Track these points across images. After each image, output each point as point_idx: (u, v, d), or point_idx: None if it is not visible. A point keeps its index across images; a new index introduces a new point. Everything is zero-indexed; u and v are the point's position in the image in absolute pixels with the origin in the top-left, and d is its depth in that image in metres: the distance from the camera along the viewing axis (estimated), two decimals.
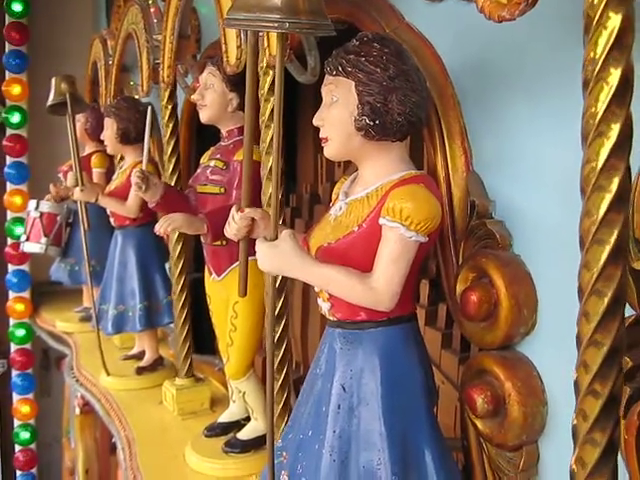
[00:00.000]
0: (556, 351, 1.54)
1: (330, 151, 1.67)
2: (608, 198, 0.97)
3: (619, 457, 1.09)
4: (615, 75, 0.95)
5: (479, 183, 1.72)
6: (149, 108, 2.78)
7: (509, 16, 1.23)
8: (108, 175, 4.28)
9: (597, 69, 0.96)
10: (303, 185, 3.68)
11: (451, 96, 1.78)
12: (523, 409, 1.57)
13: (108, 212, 3.58)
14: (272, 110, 2.10)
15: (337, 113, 1.61)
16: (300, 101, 3.56)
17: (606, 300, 1.00)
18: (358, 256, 1.59)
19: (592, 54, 0.96)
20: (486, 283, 1.60)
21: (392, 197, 1.54)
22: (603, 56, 0.95)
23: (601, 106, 0.96)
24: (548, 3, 1.21)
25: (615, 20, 0.94)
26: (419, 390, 1.67)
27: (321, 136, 1.67)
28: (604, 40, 0.95)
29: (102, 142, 3.68)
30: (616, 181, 0.97)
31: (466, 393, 1.65)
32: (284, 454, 1.79)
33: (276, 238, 1.64)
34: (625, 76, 0.95)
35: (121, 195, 3.42)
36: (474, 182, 1.72)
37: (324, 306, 1.72)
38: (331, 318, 1.72)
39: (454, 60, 1.79)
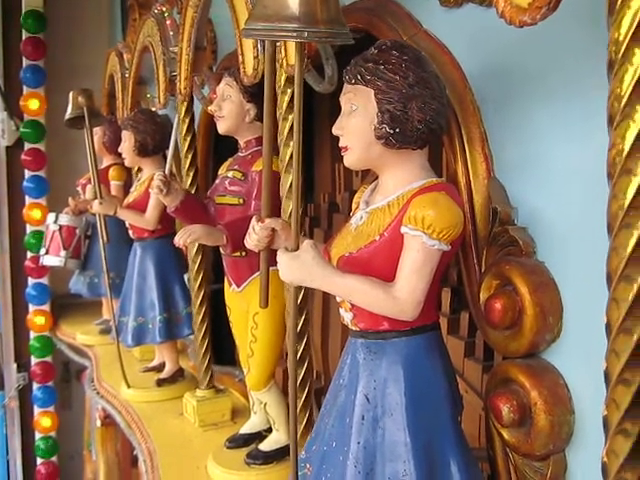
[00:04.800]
0: (582, 358, 1.52)
1: (350, 160, 1.66)
2: (635, 181, 0.94)
3: None
4: None
5: (501, 189, 1.70)
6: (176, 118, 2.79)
7: (530, 21, 1.20)
8: (126, 188, 4.30)
9: (622, 50, 0.94)
10: (321, 195, 3.67)
11: (471, 102, 1.76)
12: (550, 418, 1.54)
13: (127, 224, 3.59)
14: (290, 128, 2.09)
15: (357, 122, 1.60)
16: (316, 110, 3.56)
17: (635, 286, 0.97)
18: (380, 265, 1.58)
19: (616, 35, 0.94)
20: (510, 291, 1.57)
21: (414, 205, 1.52)
22: (628, 37, 0.93)
23: (626, 88, 0.94)
24: (571, 6, 1.19)
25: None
26: (444, 399, 1.65)
27: (341, 145, 1.66)
28: (628, 20, 0.92)
29: (120, 155, 3.69)
30: None
31: (491, 402, 1.62)
32: (308, 466, 1.78)
33: (297, 248, 1.63)
34: None
35: (139, 207, 3.43)
36: (496, 188, 1.70)
37: (346, 316, 1.70)
38: (354, 328, 1.70)
39: (473, 66, 1.78)
